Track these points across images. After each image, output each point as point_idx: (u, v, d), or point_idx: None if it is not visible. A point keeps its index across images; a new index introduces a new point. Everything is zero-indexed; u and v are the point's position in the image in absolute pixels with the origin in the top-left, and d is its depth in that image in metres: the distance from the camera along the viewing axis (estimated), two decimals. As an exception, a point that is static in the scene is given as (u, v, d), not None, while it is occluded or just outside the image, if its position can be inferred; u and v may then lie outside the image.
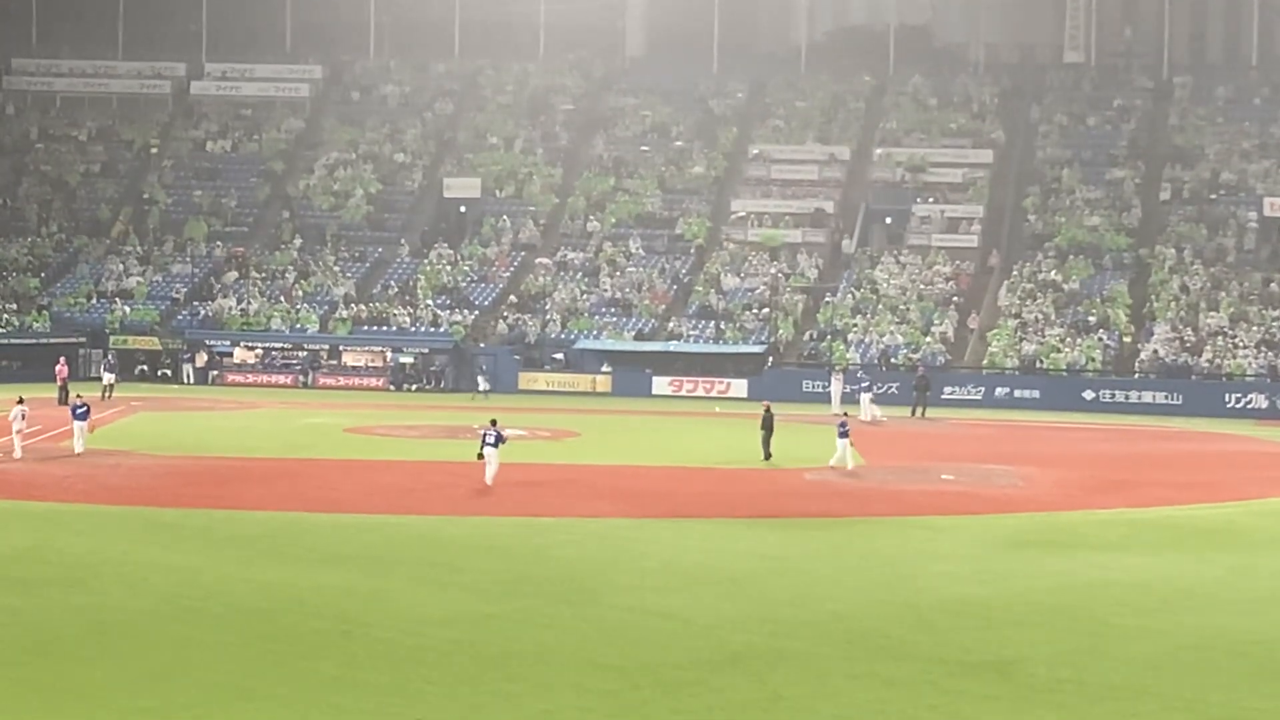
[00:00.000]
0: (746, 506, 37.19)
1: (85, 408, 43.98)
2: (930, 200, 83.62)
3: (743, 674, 21.00)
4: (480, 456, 38.62)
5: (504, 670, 20.87)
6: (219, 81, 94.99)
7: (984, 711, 19.65)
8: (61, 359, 64.31)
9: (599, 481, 41.15)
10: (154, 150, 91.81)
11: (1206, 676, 21.39)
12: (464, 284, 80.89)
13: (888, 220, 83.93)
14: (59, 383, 61.59)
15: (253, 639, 22.46)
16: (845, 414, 47.74)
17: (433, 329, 77.08)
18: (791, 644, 22.75)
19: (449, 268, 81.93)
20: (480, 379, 69.62)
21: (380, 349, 75.84)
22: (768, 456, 45.05)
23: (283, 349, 76.68)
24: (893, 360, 72.35)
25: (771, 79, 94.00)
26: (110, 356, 70.96)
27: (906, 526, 34.43)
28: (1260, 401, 67.75)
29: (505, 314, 77.98)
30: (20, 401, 43.31)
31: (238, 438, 50.57)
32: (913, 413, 63.40)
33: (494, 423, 39.05)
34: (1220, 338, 71.78)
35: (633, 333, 76.13)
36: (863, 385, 62.55)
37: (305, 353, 76.25)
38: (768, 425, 45.66)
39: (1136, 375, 70.90)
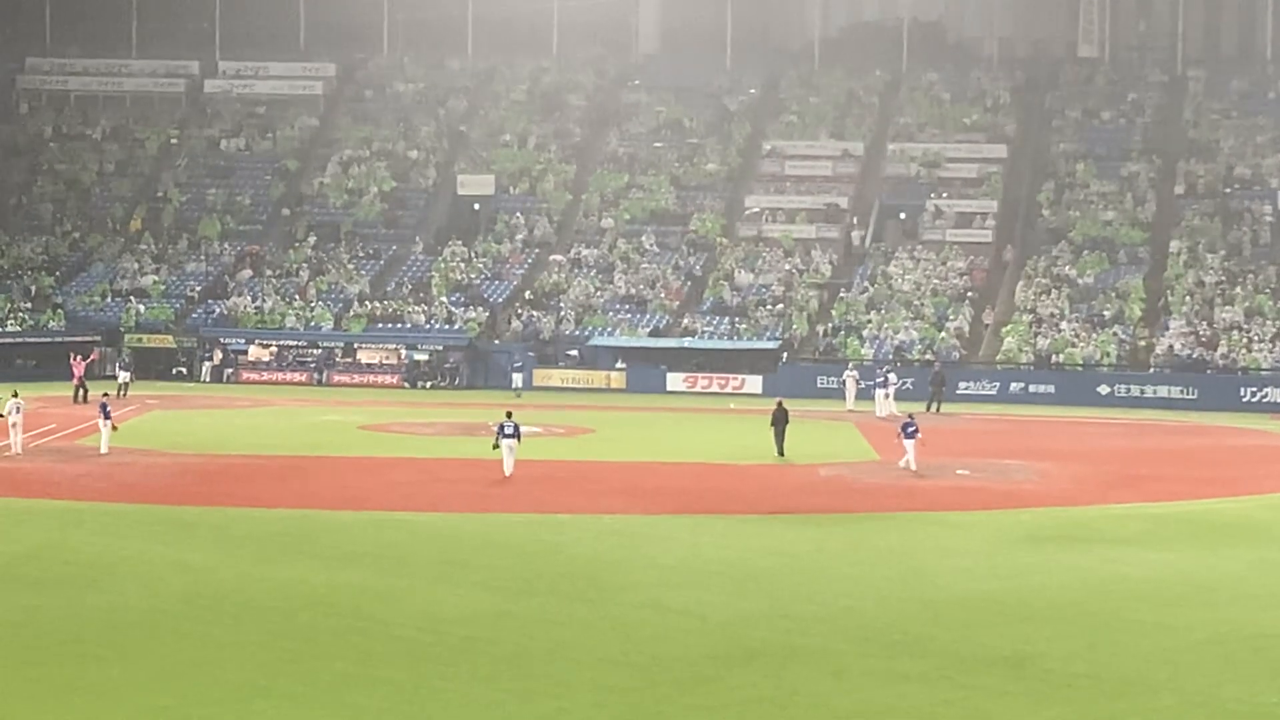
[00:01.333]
0: (761, 503, 37.12)
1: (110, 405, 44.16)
2: (944, 195, 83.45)
3: (759, 670, 21.00)
4: (496, 448, 39.05)
5: (520, 667, 20.89)
6: (233, 80, 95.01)
7: (999, 706, 19.63)
8: (77, 357, 64.08)
9: (614, 478, 41.19)
10: (174, 143, 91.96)
11: (1223, 671, 21.36)
12: (478, 281, 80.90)
13: (902, 215, 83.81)
14: (75, 381, 61.60)
15: (268, 637, 22.50)
16: (910, 415, 46.16)
17: (447, 326, 77.10)
18: (807, 640, 22.75)
19: (463, 265, 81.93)
20: (515, 376, 69.62)
21: (395, 346, 75.83)
22: (781, 453, 45.00)
23: (297, 347, 76.72)
24: (907, 355, 72.21)
25: (785, 74, 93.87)
26: (125, 355, 71.11)
27: (921, 522, 34.39)
28: (1276, 395, 67.46)
29: (519, 311, 77.98)
30: (15, 395, 43.24)
31: (252, 435, 50.64)
32: (928, 408, 63.26)
33: (509, 415, 39.51)
34: (1235, 332, 71.58)
35: (647, 329, 76.09)
36: (877, 381, 62.41)
37: (320, 350, 76.27)
38: (778, 421, 45.57)
39: (1151, 370, 70.72)
